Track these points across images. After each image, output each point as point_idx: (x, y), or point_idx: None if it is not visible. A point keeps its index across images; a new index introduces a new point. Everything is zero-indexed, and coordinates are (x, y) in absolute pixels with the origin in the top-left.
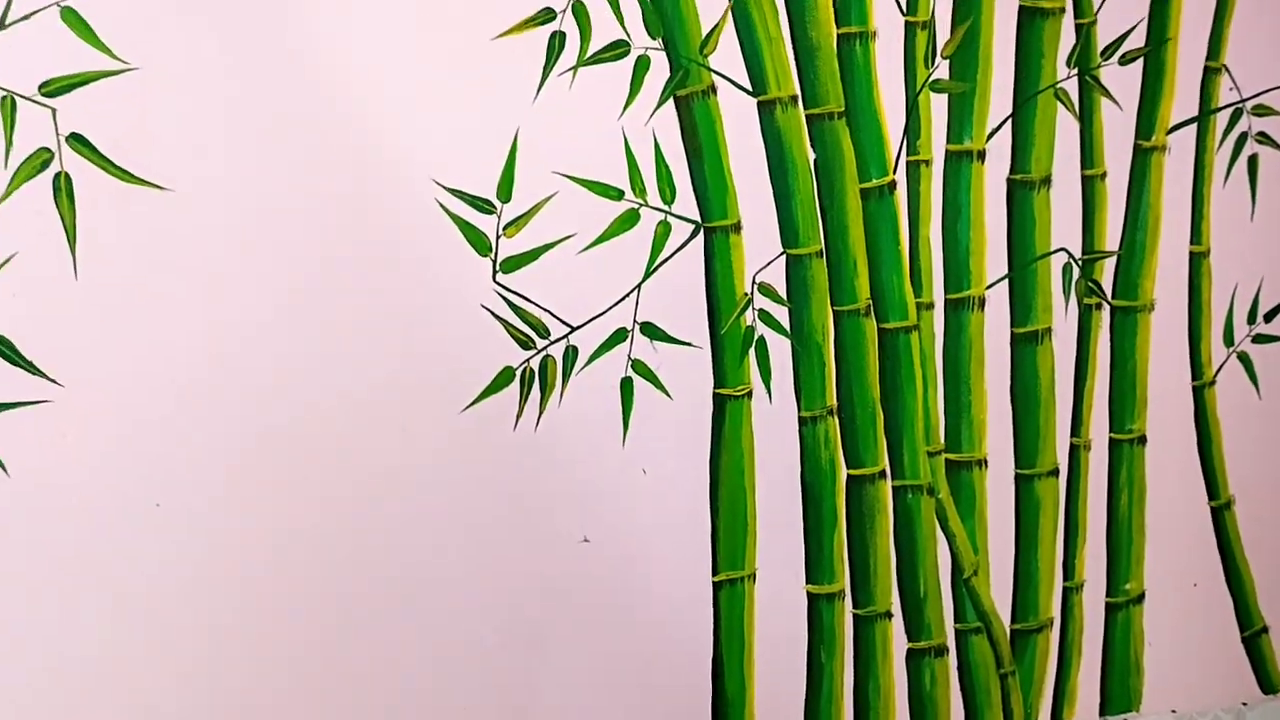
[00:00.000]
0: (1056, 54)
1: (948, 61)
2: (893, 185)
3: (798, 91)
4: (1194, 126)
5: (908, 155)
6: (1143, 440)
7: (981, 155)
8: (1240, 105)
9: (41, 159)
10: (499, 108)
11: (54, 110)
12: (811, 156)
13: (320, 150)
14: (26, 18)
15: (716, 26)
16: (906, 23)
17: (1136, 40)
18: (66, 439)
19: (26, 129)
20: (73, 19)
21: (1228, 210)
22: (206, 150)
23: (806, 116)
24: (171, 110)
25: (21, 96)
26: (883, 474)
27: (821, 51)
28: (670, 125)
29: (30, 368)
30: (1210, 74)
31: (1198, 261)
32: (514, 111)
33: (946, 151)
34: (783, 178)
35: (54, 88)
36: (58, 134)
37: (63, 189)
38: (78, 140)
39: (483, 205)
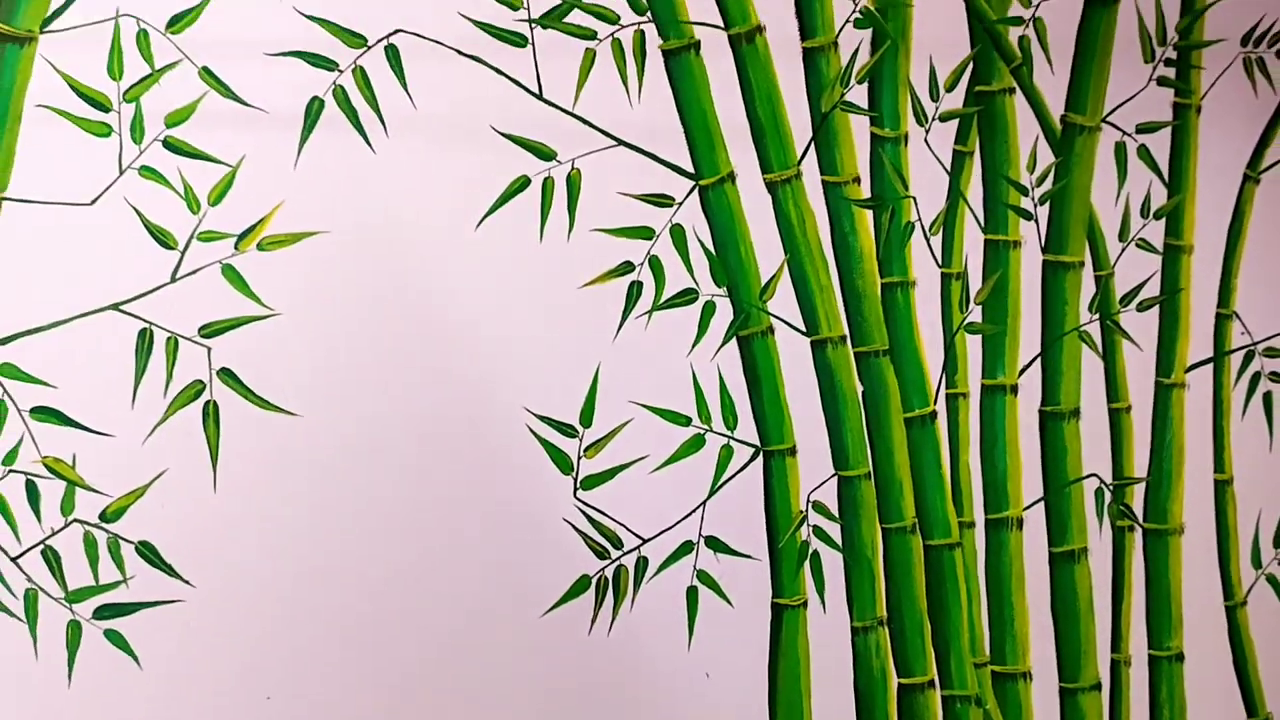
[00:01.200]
0: (1079, 300)
1: (980, 307)
2: (934, 415)
3: (846, 332)
4: (1210, 366)
5: (947, 389)
6: (1180, 658)
7: (1014, 389)
8: (1252, 348)
9: (195, 390)
10: (584, 345)
11: (209, 349)
12: (859, 389)
13: (427, 382)
14: (194, 273)
15: (774, 277)
16: (943, 273)
17: (1152, 289)
18: (195, 635)
19: (185, 364)
20: (231, 274)
21: (1248, 441)
22: (330, 382)
23: (855, 354)
24: (304, 347)
25: (183, 337)
26: (932, 683)
27: (867, 298)
28: (733, 361)
29: (168, 570)
30: (1222, 320)
31: (1222, 489)
32: (596, 348)
33: (982, 385)
34: (834, 407)
35: (211, 330)
36: (210, 369)
37: (210, 415)
38: (226, 374)
39: (566, 430)
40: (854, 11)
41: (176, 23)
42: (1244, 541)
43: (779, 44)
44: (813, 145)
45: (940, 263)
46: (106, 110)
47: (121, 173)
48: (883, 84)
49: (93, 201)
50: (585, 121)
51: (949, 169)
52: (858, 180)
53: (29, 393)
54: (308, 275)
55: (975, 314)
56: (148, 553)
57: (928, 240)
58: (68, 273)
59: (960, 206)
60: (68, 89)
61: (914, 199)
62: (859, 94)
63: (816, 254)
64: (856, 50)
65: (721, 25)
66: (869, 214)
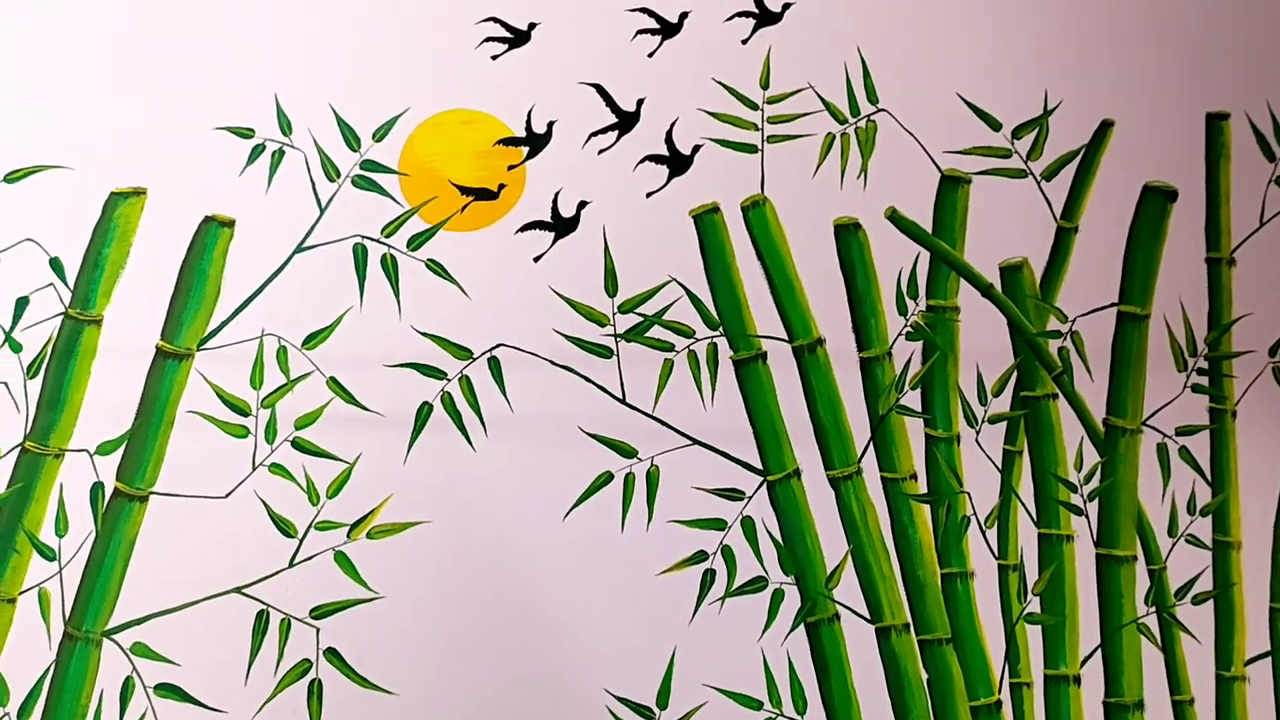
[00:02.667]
0: (1134, 593)
1: (1038, 598)
2: (999, 704)
3: (910, 620)
4: (1269, 659)
5: (1010, 678)
6: None
7: (1077, 680)
8: None
9: (302, 668)
10: (661, 630)
11: (318, 629)
12: (925, 676)
13: (514, 661)
14: (309, 558)
15: (839, 566)
16: (1000, 565)
17: (1205, 583)
18: None
19: (295, 643)
20: (343, 560)
21: None
22: (426, 661)
23: (918, 641)
24: (404, 629)
25: (296, 619)
26: None
27: (928, 588)
28: (802, 646)
29: None
30: (1276, 614)
31: None
32: (673, 633)
33: (1045, 675)
34: (900, 693)
35: (321, 611)
36: (318, 648)
37: (315, 693)
38: (332, 654)
39: (644, 711)
40: (905, 326)
41: (311, 340)
42: None
43: (838, 353)
44: (871, 444)
45: (997, 555)
46: (246, 415)
47: (254, 469)
48: (934, 389)
49: (227, 495)
50: (664, 423)
51: (1000, 467)
52: (914, 477)
53: (154, 670)
54: (411, 561)
55: (1034, 605)
56: None
57: (984, 533)
58: (199, 558)
59: (1013, 502)
60: (215, 396)
61: (968, 494)
62: (913, 398)
63: (878, 545)
64: (910, 360)
65: (786, 338)
66: (926, 508)
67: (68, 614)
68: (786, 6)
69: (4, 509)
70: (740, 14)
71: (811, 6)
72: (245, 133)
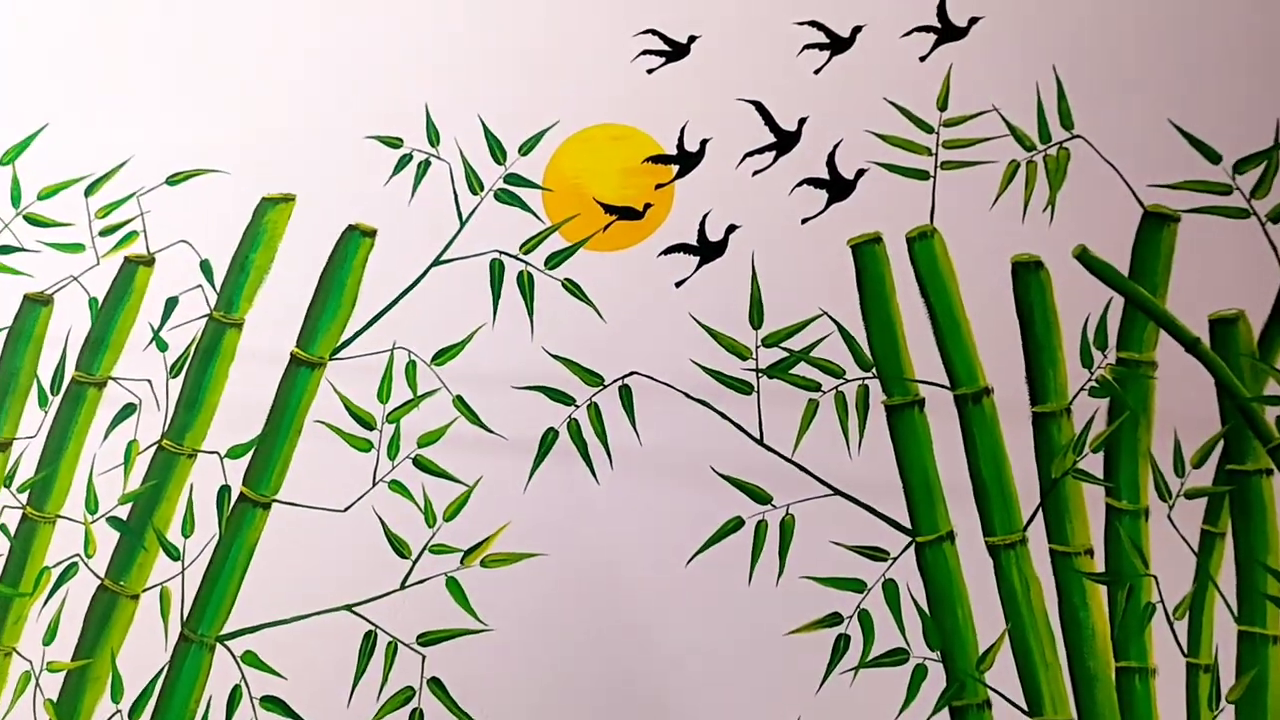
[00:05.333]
0: None
1: (1233, 706)
2: None
3: (1074, 716)
4: None
5: None
6: None
7: None
8: None
9: (405, 695)
10: (785, 694)
11: (424, 657)
12: None
13: (626, 706)
14: (420, 582)
15: (994, 646)
16: (1188, 663)
17: None
18: None
19: (400, 668)
20: (454, 587)
21: None
22: (532, 699)
23: None
24: (511, 664)
25: (403, 643)
26: None
27: (1100, 682)
28: None
29: None
30: None
31: None
32: (798, 699)
33: None
34: None
35: (428, 638)
36: (422, 676)
37: None
38: (435, 684)
39: None
40: (1090, 380)
41: (441, 356)
42: None
43: (1007, 405)
44: (1041, 511)
45: (1185, 651)
46: (371, 428)
47: (374, 485)
48: (1120, 454)
49: (346, 509)
50: (803, 469)
51: (1196, 550)
52: (1090, 552)
53: (261, 681)
54: (522, 594)
55: (1227, 714)
56: None
57: (1171, 625)
58: (312, 570)
59: (1209, 591)
60: (342, 408)
61: (1155, 578)
62: (1093, 463)
63: (1042, 627)
64: (1092, 418)
65: (948, 385)
66: (1103, 590)
67: (185, 615)
68: (973, 21)
69: (137, 505)
70: (920, 29)
71: (1002, 21)
72: (394, 142)
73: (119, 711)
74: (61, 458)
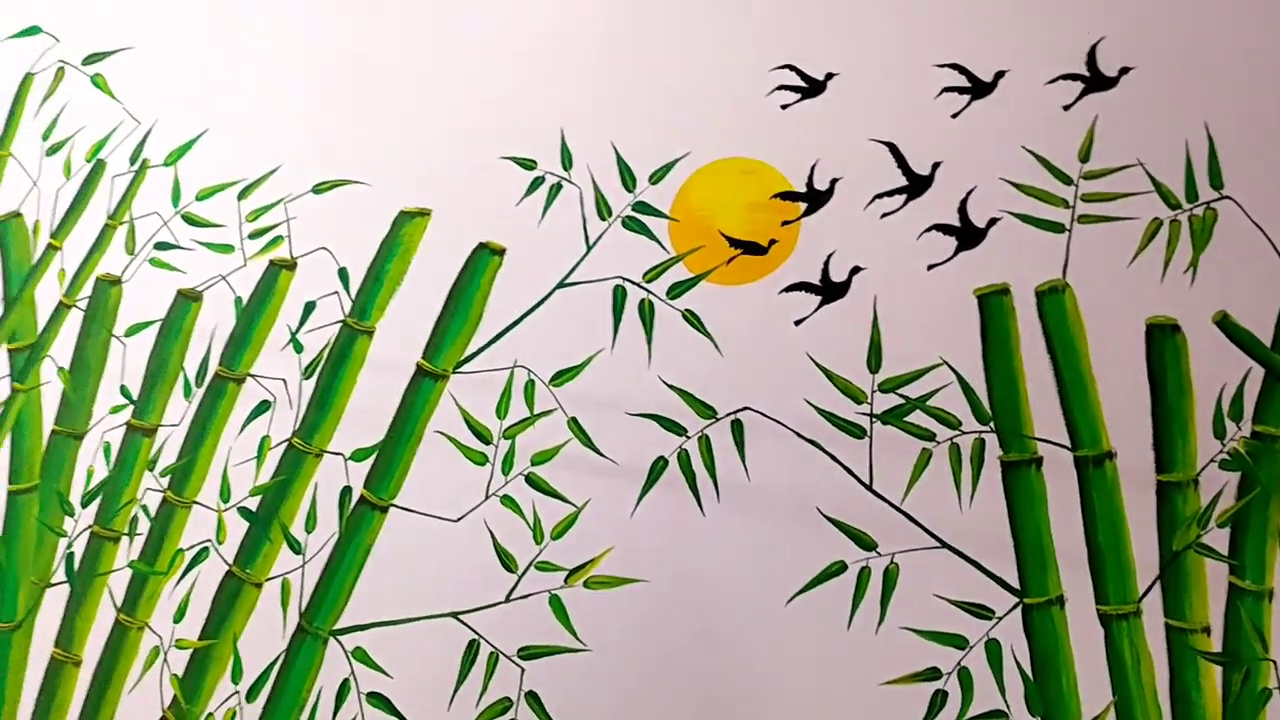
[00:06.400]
0: None
1: None
2: None
3: None
4: None
5: None
6: None
7: None
8: None
9: (502, 706)
10: None
11: (523, 670)
12: None
13: None
14: (524, 597)
15: (1099, 718)
16: None
17: None
18: None
19: (500, 679)
20: (556, 605)
21: None
22: None
23: None
24: (607, 685)
25: (504, 655)
26: None
27: None
28: None
29: None
30: None
31: None
32: None
33: None
34: None
35: (528, 653)
36: (520, 689)
37: None
38: (532, 698)
39: None
40: (1221, 452)
41: (559, 377)
42: None
43: (1131, 472)
44: (1159, 584)
45: None
46: (487, 442)
47: (486, 498)
48: (1248, 532)
49: (459, 519)
50: (911, 519)
51: None
52: (1207, 630)
53: (369, 677)
54: (622, 618)
55: None
56: None
57: None
58: (423, 576)
59: None
60: (461, 421)
61: (1274, 663)
62: (1218, 538)
63: (1150, 703)
64: (1220, 492)
65: (1069, 445)
66: (1218, 670)
67: (303, 607)
68: (1124, 71)
69: (265, 498)
70: (1066, 76)
71: (1155, 73)
72: (528, 164)
73: (237, 692)
74: (200, 447)
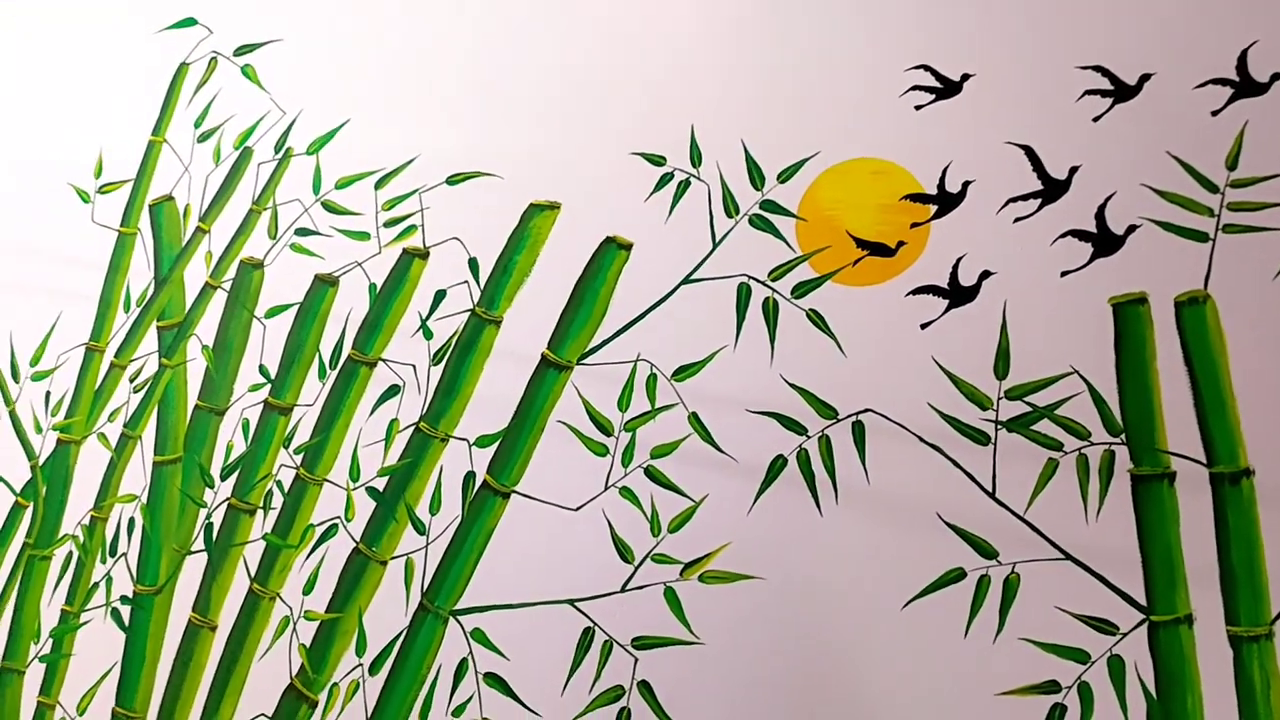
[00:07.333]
0: None
1: None
2: None
3: None
4: None
5: None
6: None
7: None
8: None
9: (615, 693)
10: None
11: (636, 660)
12: None
13: None
14: (640, 588)
15: None
16: None
17: None
18: None
19: (613, 667)
20: (671, 597)
21: None
22: (735, 715)
23: None
24: (719, 678)
25: (618, 643)
26: None
27: None
28: None
29: None
30: None
31: None
32: None
33: None
34: None
35: (642, 643)
36: (633, 678)
37: None
38: (644, 687)
39: None
40: None
41: (681, 373)
42: None
43: (1270, 491)
44: None
45: None
46: (609, 434)
47: (605, 488)
48: None
49: (578, 508)
50: (1034, 528)
51: None
52: None
53: (486, 658)
54: (735, 614)
55: None
56: None
57: None
58: (542, 562)
59: None
60: (583, 411)
61: None
62: None
63: None
64: None
65: (1204, 461)
66: None
67: (425, 586)
68: (1276, 77)
69: (393, 479)
70: (1215, 81)
71: None
72: (658, 160)
73: (360, 665)
74: (333, 427)
